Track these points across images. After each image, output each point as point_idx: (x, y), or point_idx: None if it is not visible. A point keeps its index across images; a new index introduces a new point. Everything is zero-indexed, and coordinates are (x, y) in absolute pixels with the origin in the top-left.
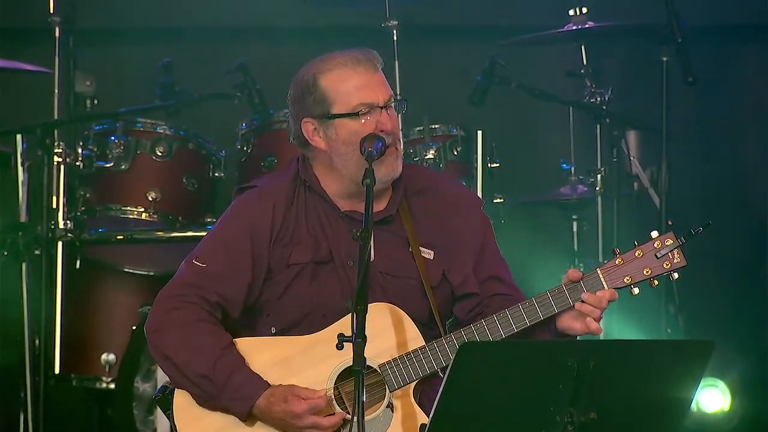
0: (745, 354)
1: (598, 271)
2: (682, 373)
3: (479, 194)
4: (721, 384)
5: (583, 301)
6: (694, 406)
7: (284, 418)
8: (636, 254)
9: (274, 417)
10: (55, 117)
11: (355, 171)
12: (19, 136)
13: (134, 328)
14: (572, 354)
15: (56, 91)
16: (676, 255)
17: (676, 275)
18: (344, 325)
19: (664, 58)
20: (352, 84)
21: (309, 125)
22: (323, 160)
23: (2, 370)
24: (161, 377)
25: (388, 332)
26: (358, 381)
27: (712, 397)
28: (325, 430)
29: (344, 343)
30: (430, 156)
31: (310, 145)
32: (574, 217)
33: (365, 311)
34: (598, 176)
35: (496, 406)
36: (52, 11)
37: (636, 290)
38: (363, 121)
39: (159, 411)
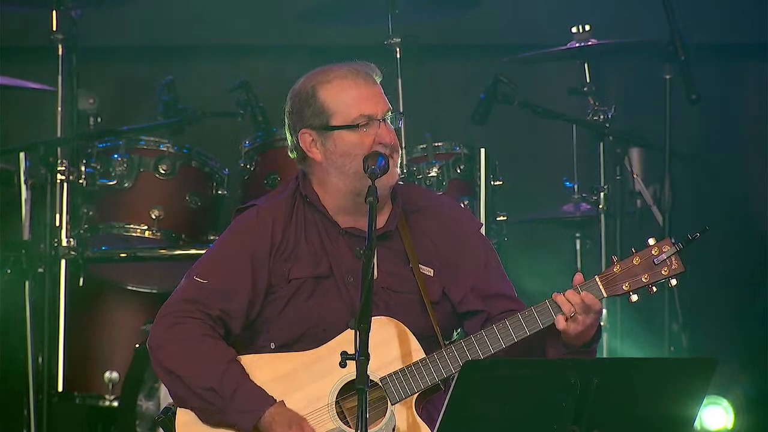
0: (748, 372)
1: (597, 279)
2: (685, 391)
3: (482, 212)
4: (724, 402)
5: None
6: (697, 424)
7: None
8: (634, 261)
9: None
10: (58, 135)
11: (352, 183)
12: (22, 154)
13: (137, 346)
14: (575, 371)
15: (59, 109)
16: (674, 261)
17: (674, 282)
18: (345, 339)
19: (667, 76)
20: (351, 96)
21: (307, 137)
22: (320, 173)
23: (6, 388)
24: (164, 395)
25: (389, 346)
26: (362, 399)
27: (716, 415)
28: None
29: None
30: (433, 174)
31: (307, 158)
32: (577, 234)
33: (368, 329)
34: (601, 194)
35: (500, 424)
36: (55, 29)
37: (635, 297)
38: (362, 133)
39: (161, 430)
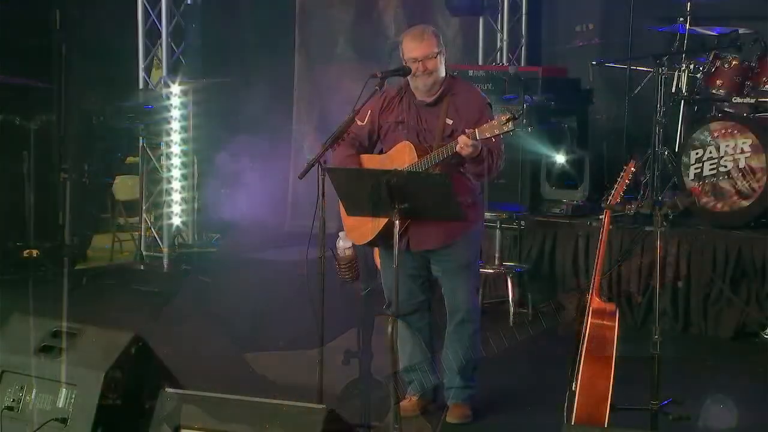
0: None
1: (476, 131)
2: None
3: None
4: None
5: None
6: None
7: None
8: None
9: None
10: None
11: (414, 85)
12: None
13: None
14: (384, 177)
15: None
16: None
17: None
18: (400, 147)
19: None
20: (407, 47)
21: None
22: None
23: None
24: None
25: (403, 156)
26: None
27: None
28: None
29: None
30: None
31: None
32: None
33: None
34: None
35: (360, 199)
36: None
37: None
38: (413, 66)
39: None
